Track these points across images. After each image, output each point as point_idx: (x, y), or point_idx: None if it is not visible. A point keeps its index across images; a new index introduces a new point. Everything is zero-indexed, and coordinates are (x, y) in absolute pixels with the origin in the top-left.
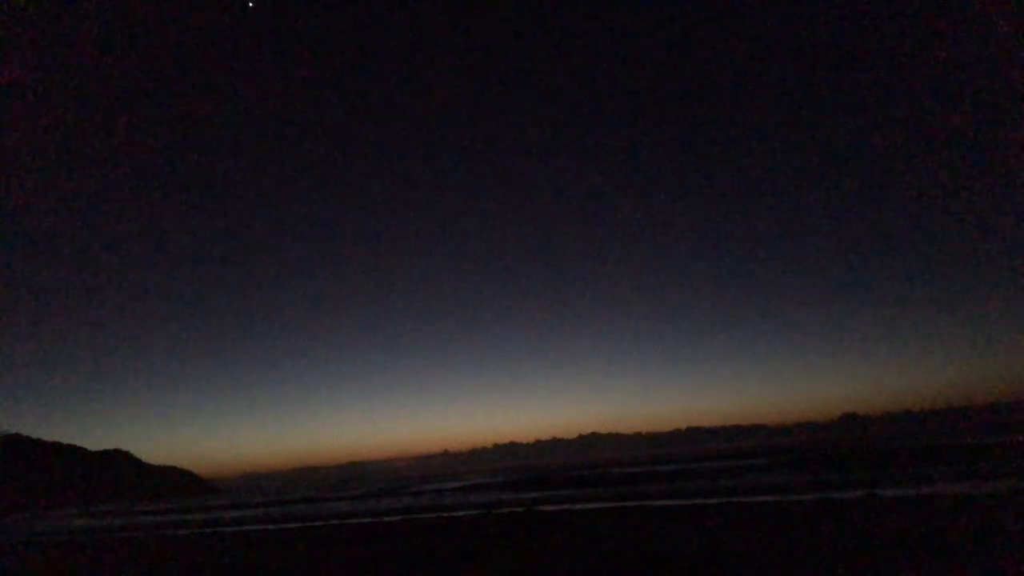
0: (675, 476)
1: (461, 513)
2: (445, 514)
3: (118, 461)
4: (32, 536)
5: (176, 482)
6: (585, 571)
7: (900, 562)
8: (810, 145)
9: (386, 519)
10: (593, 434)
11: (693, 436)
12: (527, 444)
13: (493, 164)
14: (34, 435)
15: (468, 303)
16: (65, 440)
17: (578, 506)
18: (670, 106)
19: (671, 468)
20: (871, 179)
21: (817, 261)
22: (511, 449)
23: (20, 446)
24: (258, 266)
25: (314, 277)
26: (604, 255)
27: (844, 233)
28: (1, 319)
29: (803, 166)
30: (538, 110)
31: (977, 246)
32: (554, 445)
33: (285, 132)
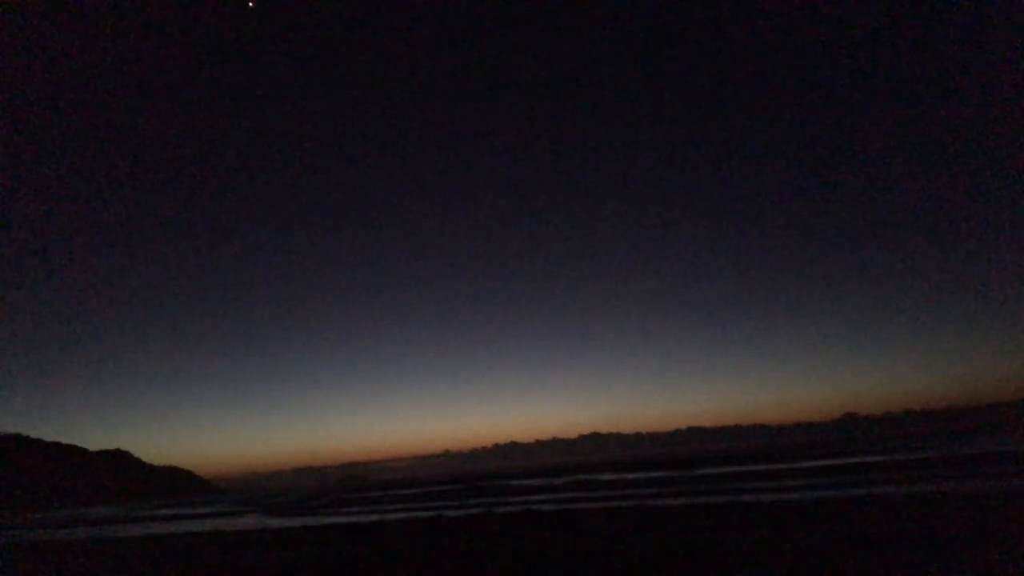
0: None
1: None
2: None
3: (118, 461)
4: (30, 538)
5: (176, 482)
6: None
7: (900, 561)
8: (811, 148)
9: None
10: (594, 434)
11: (693, 436)
12: (528, 444)
13: (493, 167)
14: (34, 435)
15: (469, 304)
16: (65, 440)
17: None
18: (675, 111)
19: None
20: (871, 181)
21: (817, 262)
22: (512, 448)
23: (20, 446)
24: (259, 268)
25: (315, 279)
26: (605, 257)
27: (844, 234)
28: (1, 320)
29: (803, 169)
30: (545, 114)
31: (978, 247)
32: (555, 444)
33: (285, 132)
